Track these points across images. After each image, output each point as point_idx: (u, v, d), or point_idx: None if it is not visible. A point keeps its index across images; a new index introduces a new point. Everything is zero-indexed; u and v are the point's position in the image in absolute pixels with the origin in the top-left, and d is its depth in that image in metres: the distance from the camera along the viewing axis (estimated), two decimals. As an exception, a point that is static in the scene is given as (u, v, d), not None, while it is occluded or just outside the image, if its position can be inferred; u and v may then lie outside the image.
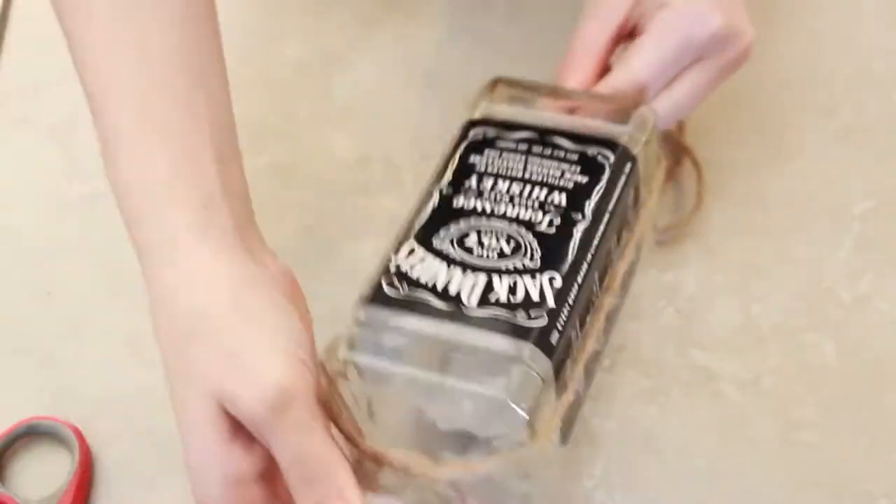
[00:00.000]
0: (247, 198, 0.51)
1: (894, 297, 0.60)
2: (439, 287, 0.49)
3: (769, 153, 0.66)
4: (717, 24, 0.55)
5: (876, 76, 0.69)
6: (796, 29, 0.71)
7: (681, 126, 0.64)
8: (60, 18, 0.51)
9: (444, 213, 0.52)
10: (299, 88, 0.71)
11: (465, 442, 0.48)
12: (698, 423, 0.57)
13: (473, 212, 0.52)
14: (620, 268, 0.54)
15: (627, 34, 0.58)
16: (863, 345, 0.59)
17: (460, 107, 0.57)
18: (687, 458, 0.56)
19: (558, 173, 0.53)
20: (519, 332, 0.47)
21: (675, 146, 0.64)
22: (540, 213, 0.51)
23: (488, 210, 0.52)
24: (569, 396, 0.49)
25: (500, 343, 0.47)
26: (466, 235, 0.51)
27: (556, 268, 0.49)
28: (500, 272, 0.49)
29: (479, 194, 0.52)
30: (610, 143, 0.54)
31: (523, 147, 0.54)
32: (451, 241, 0.51)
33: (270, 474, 0.47)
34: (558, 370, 0.48)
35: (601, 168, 0.53)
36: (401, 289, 0.49)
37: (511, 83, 0.58)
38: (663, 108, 0.57)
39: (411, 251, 0.50)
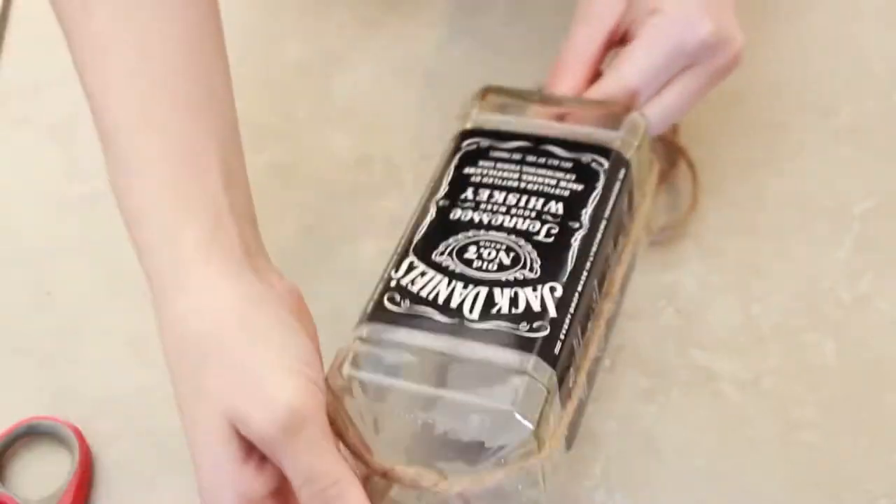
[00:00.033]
0: (252, 215, 0.51)
1: (894, 297, 0.60)
2: (441, 301, 0.49)
3: (769, 153, 0.66)
4: (707, 30, 0.55)
5: (876, 76, 0.69)
6: (796, 29, 0.71)
7: (675, 128, 0.64)
8: (60, 19, 0.51)
9: (442, 227, 0.52)
10: (299, 88, 0.71)
11: (472, 453, 0.48)
12: (698, 423, 0.57)
13: (471, 224, 0.52)
14: (618, 273, 0.54)
15: (619, 40, 0.59)
16: (863, 345, 0.59)
17: (460, 108, 0.57)
18: (687, 458, 0.56)
19: (553, 182, 0.53)
20: (522, 344, 0.47)
21: (670, 147, 0.64)
22: (537, 223, 0.51)
23: (486, 222, 0.52)
24: (573, 404, 0.49)
25: (504, 355, 0.47)
26: (466, 248, 0.51)
27: (556, 277, 0.49)
28: (500, 284, 0.49)
29: (476, 206, 0.53)
30: (603, 150, 0.54)
31: (517, 156, 0.54)
32: (451, 255, 0.51)
33: (283, 493, 0.47)
34: (562, 379, 0.48)
35: (596, 175, 0.53)
36: (402, 304, 0.49)
37: (501, 91, 0.58)
38: (654, 113, 0.57)
39: (411, 266, 0.50)
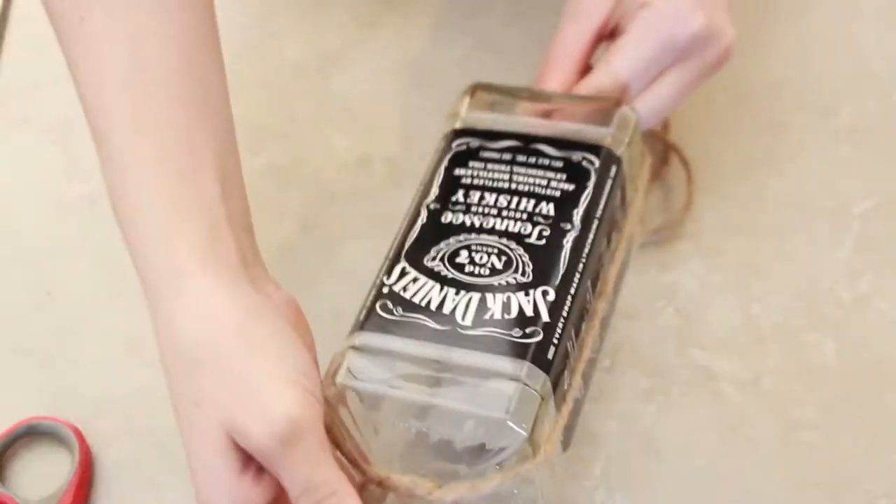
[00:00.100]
0: (248, 224, 0.51)
1: (894, 297, 0.60)
2: (433, 307, 0.49)
3: (769, 153, 0.66)
4: (698, 24, 0.55)
5: (876, 76, 0.69)
6: (796, 29, 0.71)
7: (666, 124, 0.64)
8: (52, 19, 0.50)
9: (434, 231, 0.52)
10: (298, 89, 0.71)
11: (467, 460, 0.48)
12: (698, 423, 0.57)
13: (462, 227, 0.52)
14: (612, 271, 0.54)
15: (608, 34, 0.58)
16: (863, 345, 0.59)
17: (450, 106, 0.57)
18: (687, 458, 0.56)
19: (544, 182, 0.53)
20: (515, 350, 0.47)
21: (662, 145, 0.64)
22: (529, 225, 0.51)
23: (477, 225, 0.52)
24: (568, 406, 0.49)
25: (497, 362, 0.47)
26: (457, 253, 0.51)
27: (549, 281, 0.49)
28: (492, 289, 0.49)
29: (467, 209, 0.52)
30: (594, 147, 0.54)
31: (507, 156, 0.54)
32: (443, 260, 0.51)
33: (281, 502, 0.47)
34: (556, 383, 0.48)
35: (586, 174, 0.53)
36: (395, 311, 0.49)
37: (490, 88, 0.58)
38: (645, 107, 0.57)
39: (403, 272, 0.50)
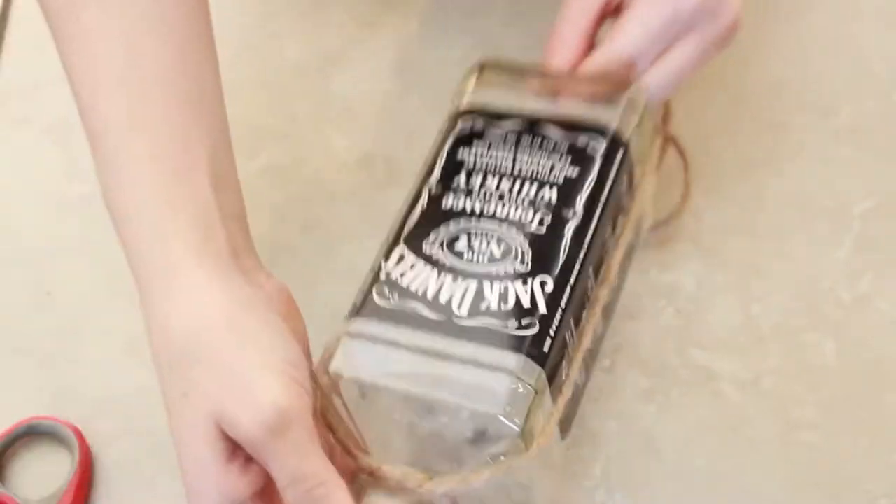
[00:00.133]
0: (241, 215, 0.51)
1: (894, 297, 0.60)
2: (430, 296, 0.48)
3: (769, 153, 0.66)
4: None
5: (876, 76, 0.69)
6: (796, 29, 0.71)
7: (667, 113, 0.62)
8: (47, 16, 0.51)
9: (434, 215, 0.51)
10: (298, 89, 0.71)
11: (459, 452, 0.48)
12: (698, 423, 0.57)
13: (463, 213, 0.51)
14: (617, 256, 0.53)
15: (613, 10, 0.57)
16: (863, 345, 0.59)
17: (457, 83, 0.56)
18: (687, 458, 0.56)
19: (548, 167, 0.52)
20: (510, 343, 0.47)
21: (660, 135, 0.62)
22: (530, 212, 0.50)
23: (478, 210, 0.51)
24: (564, 398, 0.49)
25: (491, 355, 0.47)
26: (456, 239, 0.50)
27: (548, 270, 0.49)
28: (490, 278, 0.49)
29: (469, 193, 0.52)
30: (600, 131, 0.53)
31: (512, 139, 0.53)
32: (441, 246, 0.50)
33: (268, 494, 0.47)
34: (553, 374, 0.47)
35: (591, 159, 0.52)
36: (391, 299, 0.49)
37: (498, 66, 0.57)
38: (652, 82, 0.55)
39: (401, 257, 0.50)
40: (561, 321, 0.48)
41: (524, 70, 0.57)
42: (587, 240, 0.50)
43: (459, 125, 0.54)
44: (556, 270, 0.49)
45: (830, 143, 0.66)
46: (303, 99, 0.71)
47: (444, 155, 0.54)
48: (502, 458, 0.47)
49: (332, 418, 0.48)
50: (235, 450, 0.46)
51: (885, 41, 0.70)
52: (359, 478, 0.48)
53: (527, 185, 0.51)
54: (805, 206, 0.64)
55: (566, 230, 0.50)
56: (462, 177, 0.52)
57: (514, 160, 0.52)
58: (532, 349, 0.47)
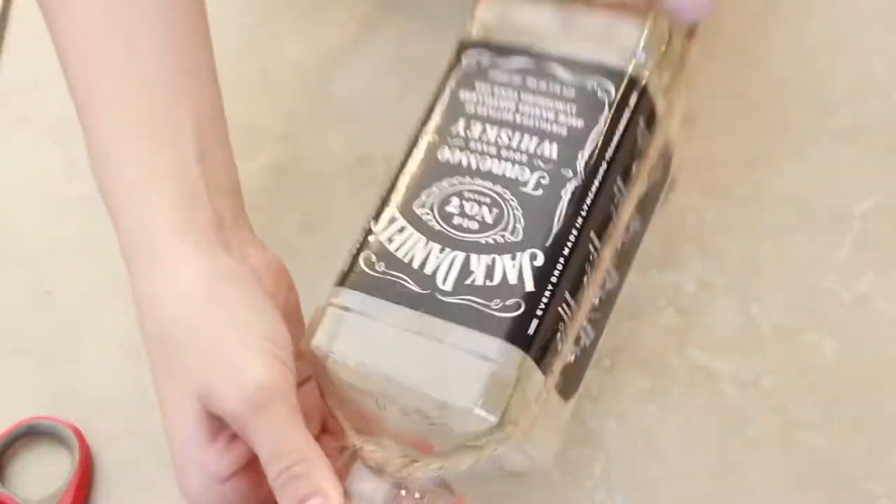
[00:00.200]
0: (232, 188, 0.51)
1: (894, 297, 0.60)
2: (416, 265, 0.47)
3: (769, 153, 0.66)
4: None
5: (876, 76, 0.69)
6: (796, 28, 0.71)
7: (692, 32, 0.54)
8: (42, 7, 0.51)
9: (428, 169, 0.49)
10: (298, 89, 0.71)
11: (443, 432, 0.47)
12: (698, 424, 0.57)
13: (458, 168, 0.48)
14: (628, 208, 0.49)
15: None
16: (863, 345, 0.59)
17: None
18: (687, 458, 0.56)
19: (552, 115, 0.48)
20: (492, 326, 0.45)
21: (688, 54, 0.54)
22: (527, 171, 0.47)
23: (473, 166, 0.48)
24: (559, 368, 0.47)
25: (471, 339, 0.45)
26: (448, 200, 0.48)
27: (539, 242, 0.46)
28: (478, 249, 0.46)
29: (466, 144, 0.49)
30: (612, 72, 0.48)
31: (517, 80, 0.49)
32: (432, 209, 0.48)
33: (254, 468, 0.47)
34: (542, 354, 0.45)
35: (599, 106, 0.47)
36: (377, 267, 0.47)
37: None
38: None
39: (392, 219, 0.48)
40: (552, 297, 0.45)
41: None
42: (588, 203, 0.46)
43: (464, 60, 0.51)
44: (549, 241, 0.46)
45: (830, 143, 0.66)
46: (303, 99, 0.71)
47: (447, 96, 0.50)
48: (484, 444, 0.45)
49: (323, 386, 0.48)
50: (220, 427, 0.46)
51: (885, 41, 0.70)
52: (343, 454, 0.48)
53: (526, 137, 0.48)
54: (805, 206, 0.64)
55: (564, 193, 0.46)
56: (460, 125, 0.49)
57: (517, 107, 0.49)
58: (515, 333, 0.45)
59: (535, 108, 0.48)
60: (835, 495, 0.54)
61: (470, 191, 0.48)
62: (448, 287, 0.46)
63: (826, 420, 0.56)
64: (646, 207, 0.52)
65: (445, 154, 0.49)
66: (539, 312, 0.45)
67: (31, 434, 0.58)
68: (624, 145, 0.48)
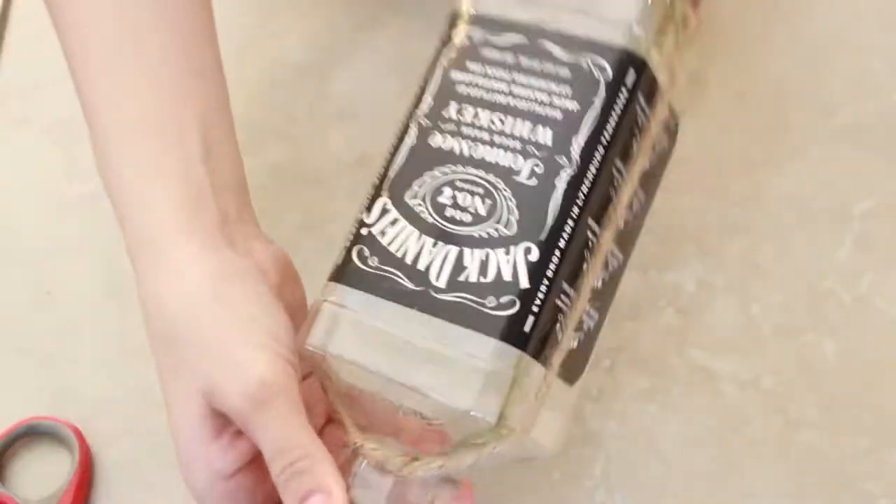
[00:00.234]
0: (238, 184, 0.51)
1: (894, 297, 0.60)
2: (409, 260, 0.45)
3: (769, 153, 0.66)
4: None
5: (876, 76, 0.69)
6: (796, 28, 0.71)
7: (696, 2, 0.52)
8: (48, 3, 0.51)
9: (420, 156, 0.47)
10: (299, 88, 0.71)
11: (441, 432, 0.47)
12: (698, 423, 0.57)
13: (450, 156, 0.46)
14: (629, 186, 0.47)
15: None
16: (863, 345, 0.59)
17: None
18: (687, 458, 0.56)
19: (546, 97, 0.46)
20: (486, 326, 0.44)
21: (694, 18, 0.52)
22: (520, 158, 0.45)
23: (466, 153, 0.46)
24: (561, 358, 0.46)
25: (465, 339, 0.44)
26: (440, 191, 0.46)
27: (534, 235, 0.44)
28: (472, 243, 0.45)
29: (458, 129, 0.47)
30: (606, 49, 0.45)
31: (510, 59, 0.47)
32: (424, 199, 0.46)
33: (259, 464, 0.47)
34: (540, 348, 0.45)
35: (595, 86, 0.45)
36: (370, 262, 0.46)
37: None
38: None
39: (384, 210, 0.47)
40: (549, 291, 0.44)
41: None
42: (584, 192, 0.45)
43: (455, 38, 0.49)
44: (544, 235, 0.44)
45: (830, 143, 0.66)
46: (303, 99, 0.71)
47: (438, 76, 0.48)
48: (484, 442, 0.45)
49: (325, 383, 0.48)
50: (225, 424, 0.46)
51: (885, 41, 0.70)
52: (343, 450, 0.48)
53: (519, 121, 0.46)
54: (805, 206, 0.64)
55: (558, 182, 0.45)
56: (452, 108, 0.47)
57: (511, 87, 0.46)
58: (510, 332, 0.44)
59: (529, 89, 0.46)
60: (835, 495, 0.54)
61: (462, 180, 0.46)
62: (442, 284, 0.45)
63: (826, 420, 0.56)
64: (650, 181, 0.50)
65: (437, 140, 0.47)
66: (535, 309, 0.44)
67: (31, 434, 0.58)
68: (622, 126, 0.46)
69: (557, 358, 0.46)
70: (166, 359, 0.47)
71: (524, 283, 0.44)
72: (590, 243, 0.46)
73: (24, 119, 0.71)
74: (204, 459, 0.47)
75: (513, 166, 0.45)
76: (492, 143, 0.46)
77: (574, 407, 0.51)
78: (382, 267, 0.46)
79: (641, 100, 0.46)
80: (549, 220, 0.45)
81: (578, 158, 0.45)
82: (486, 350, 0.44)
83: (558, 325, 0.46)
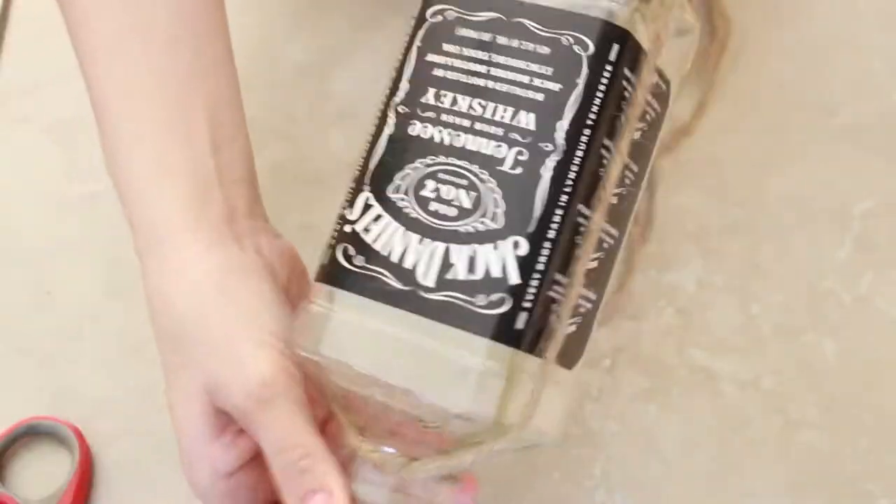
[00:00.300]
0: (247, 178, 0.51)
1: (894, 297, 0.60)
2: (395, 259, 0.44)
3: (769, 153, 0.66)
4: None
5: (876, 76, 0.69)
6: (796, 28, 0.71)
7: None
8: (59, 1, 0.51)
9: (400, 146, 0.45)
10: (299, 88, 0.71)
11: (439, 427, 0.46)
12: (698, 423, 0.57)
13: (430, 145, 0.44)
14: (618, 163, 0.44)
15: None
16: (863, 345, 0.59)
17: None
18: (687, 458, 0.56)
19: (526, 79, 0.43)
20: (476, 325, 0.42)
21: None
22: (504, 147, 0.43)
23: (447, 142, 0.44)
24: (552, 360, 0.45)
25: (457, 340, 0.42)
26: (423, 184, 0.44)
27: (521, 228, 0.43)
28: (458, 239, 0.43)
29: (437, 117, 0.44)
30: (586, 23, 0.43)
31: (487, 37, 0.44)
32: (407, 193, 0.44)
33: (261, 462, 0.47)
34: (535, 341, 0.43)
35: (577, 64, 0.43)
36: (356, 261, 0.45)
37: None
38: None
39: (367, 205, 0.45)
40: (540, 285, 0.43)
41: None
42: (571, 178, 0.43)
43: (430, 17, 0.46)
44: (532, 227, 0.42)
45: (830, 143, 0.66)
46: (303, 99, 0.71)
47: (413, 60, 0.46)
48: (483, 440, 0.44)
49: (321, 389, 0.47)
50: (227, 422, 0.47)
51: (885, 41, 0.70)
52: (341, 449, 0.48)
53: (500, 106, 0.43)
54: (805, 206, 0.64)
55: (543, 170, 0.43)
56: (430, 93, 0.45)
57: (489, 69, 0.44)
58: (502, 330, 0.42)
59: (508, 70, 0.44)
60: (835, 495, 0.54)
61: (445, 171, 0.44)
62: (430, 283, 0.43)
63: (826, 420, 0.56)
64: (642, 151, 0.47)
65: (417, 129, 0.45)
66: (527, 304, 0.43)
67: (31, 434, 0.58)
68: (608, 104, 0.43)
69: (553, 348, 0.45)
70: (171, 356, 0.47)
71: (514, 278, 0.42)
72: (581, 229, 0.44)
73: (24, 119, 0.71)
74: (206, 457, 0.47)
75: (496, 155, 0.43)
76: (473, 131, 0.44)
77: (576, 388, 0.49)
78: (368, 266, 0.44)
79: (627, 72, 0.44)
80: (537, 211, 0.43)
81: (564, 143, 0.43)
82: (479, 350, 0.42)
83: (553, 317, 0.44)
